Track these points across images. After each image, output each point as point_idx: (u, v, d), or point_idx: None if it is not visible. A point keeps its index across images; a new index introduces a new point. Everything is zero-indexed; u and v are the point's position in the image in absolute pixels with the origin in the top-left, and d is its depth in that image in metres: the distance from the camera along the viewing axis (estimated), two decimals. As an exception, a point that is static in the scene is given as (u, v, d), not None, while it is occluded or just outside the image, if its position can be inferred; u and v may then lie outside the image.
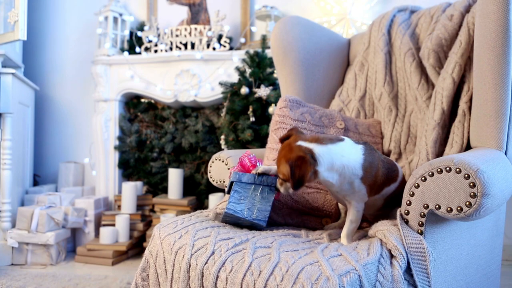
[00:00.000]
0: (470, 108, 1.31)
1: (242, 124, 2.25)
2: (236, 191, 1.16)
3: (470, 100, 1.33)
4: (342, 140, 1.04)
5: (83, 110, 3.20)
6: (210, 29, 2.65)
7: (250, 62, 2.36)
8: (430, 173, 0.92)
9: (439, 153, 1.35)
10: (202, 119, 2.75)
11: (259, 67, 2.34)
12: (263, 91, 2.25)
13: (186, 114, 2.86)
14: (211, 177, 1.53)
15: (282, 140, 1.07)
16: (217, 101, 2.70)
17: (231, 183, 1.18)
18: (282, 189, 1.05)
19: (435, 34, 1.51)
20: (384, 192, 1.11)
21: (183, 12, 2.85)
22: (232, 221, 1.16)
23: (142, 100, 2.98)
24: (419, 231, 0.93)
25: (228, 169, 1.44)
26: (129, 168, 2.91)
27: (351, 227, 1.04)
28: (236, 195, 1.15)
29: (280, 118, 1.40)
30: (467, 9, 1.51)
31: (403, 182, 1.15)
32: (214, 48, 2.65)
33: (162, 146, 2.82)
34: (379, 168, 1.07)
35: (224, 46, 2.63)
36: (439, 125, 1.36)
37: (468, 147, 1.27)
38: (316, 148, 0.98)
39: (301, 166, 0.94)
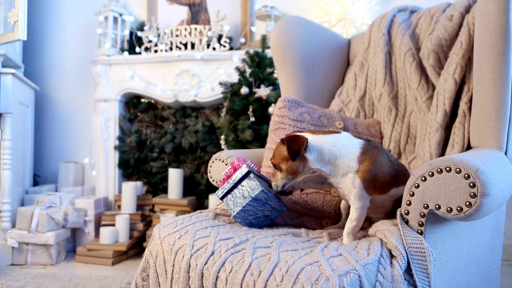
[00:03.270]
0: (470, 108, 1.31)
1: (242, 124, 2.24)
2: (256, 178, 1.17)
3: (470, 100, 1.32)
4: (338, 132, 1.07)
5: (83, 110, 3.20)
6: (210, 29, 2.65)
7: (250, 62, 2.36)
8: (430, 173, 0.92)
9: (442, 154, 1.34)
10: (202, 119, 2.75)
11: (259, 67, 2.34)
12: (263, 91, 2.25)
13: (186, 114, 2.86)
14: (211, 177, 1.53)
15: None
16: (217, 101, 2.70)
17: (247, 172, 1.18)
18: (273, 182, 1.07)
19: (435, 35, 1.51)
20: (392, 193, 1.08)
21: (183, 12, 2.85)
22: (261, 202, 1.14)
23: (142, 100, 2.98)
24: (419, 231, 0.93)
25: (228, 169, 1.44)
26: (129, 168, 2.91)
27: (352, 225, 1.03)
28: (257, 179, 1.17)
29: (279, 118, 1.40)
30: (467, 9, 1.50)
31: None
32: (214, 48, 2.65)
33: (162, 146, 2.82)
34: (382, 165, 1.04)
35: (224, 46, 2.63)
36: (442, 127, 1.35)
37: (469, 147, 1.27)
38: (308, 136, 1.04)
39: (295, 139, 1.01)
